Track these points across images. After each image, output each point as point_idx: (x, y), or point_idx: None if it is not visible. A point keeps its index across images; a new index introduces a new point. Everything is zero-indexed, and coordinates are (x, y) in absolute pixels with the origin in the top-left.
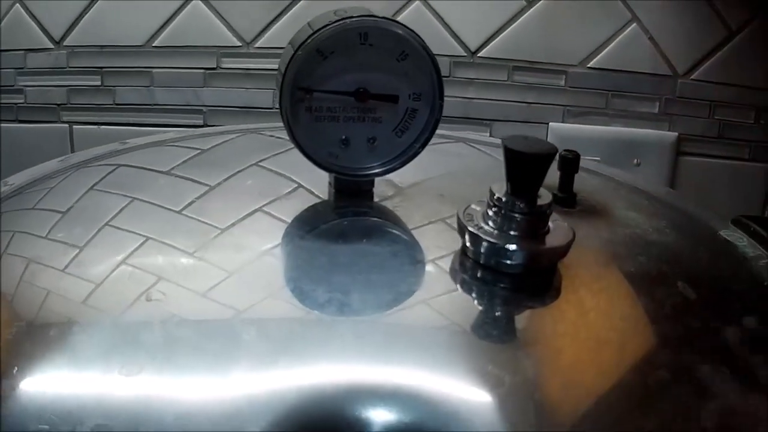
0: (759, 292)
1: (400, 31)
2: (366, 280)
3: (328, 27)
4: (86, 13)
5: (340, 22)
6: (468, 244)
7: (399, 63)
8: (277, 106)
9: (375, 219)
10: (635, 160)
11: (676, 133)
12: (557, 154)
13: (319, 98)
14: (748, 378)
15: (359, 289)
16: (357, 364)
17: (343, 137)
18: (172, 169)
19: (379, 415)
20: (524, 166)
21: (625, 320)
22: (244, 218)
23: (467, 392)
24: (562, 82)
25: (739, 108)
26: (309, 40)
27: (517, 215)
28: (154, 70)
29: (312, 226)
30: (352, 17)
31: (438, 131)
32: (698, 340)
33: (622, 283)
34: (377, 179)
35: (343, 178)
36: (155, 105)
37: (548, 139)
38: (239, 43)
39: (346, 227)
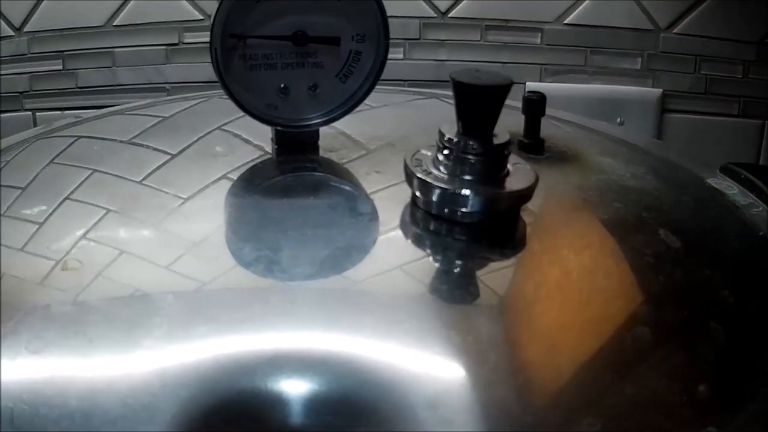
0: (753, 242)
1: None
2: (300, 236)
3: None
4: None
5: None
6: (417, 192)
7: (339, 2)
8: None
9: (318, 174)
10: (618, 119)
11: (661, 90)
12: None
13: (254, 45)
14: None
15: (291, 246)
16: (283, 331)
17: (282, 86)
18: (133, 138)
19: (307, 388)
20: (475, 100)
21: (599, 272)
22: (207, 186)
23: (411, 358)
24: (538, 40)
25: (726, 62)
26: None
27: (470, 157)
28: (116, 50)
29: (248, 184)
30: None
31: (410, 90)
32: (685, 293)
33: (594, 230)
34: (326, 133)
35: (284, 130)
36: (118, 85)
37: None
38: (201, 17)
39: (288, 182)
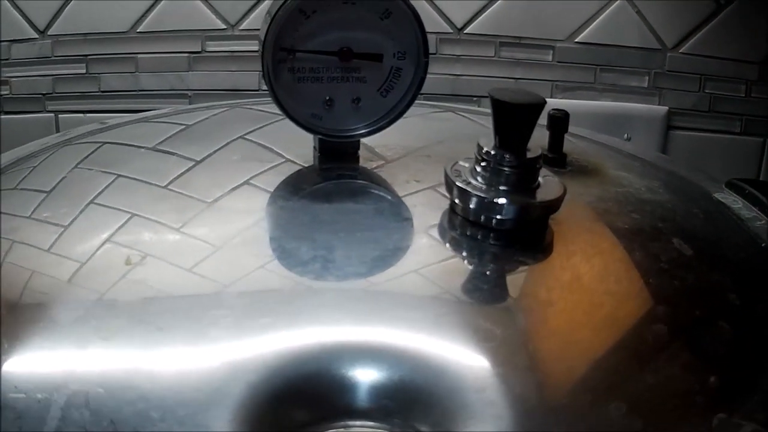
0: (755, 251)
1: None
2: (350, 238)
3: None
4: (70, 1)
5: None
6: (456, 200)
7: (382, 21)
8: (264, 87)
9: (360, 181)
10: (625, 135)
11: (666, 107)
12: (546, 112)
13: (302, 58)
14: (744, 331)
15: (344, 246)
16: (341, 324)
17: (327, 98)
18: (158, 144)
19: (365, 374)
20: (512, 117)
21: (620, 275)
22: (230, 191)
23: (457, 349)
24: (550, 58)
25: (730, 81)
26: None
27: (506, 169)
28: (139, 56)
29: (296, 189)
30: None
31: (427, 102)
32: (696, 295)
33: (615, 238)
34: (364, 145)
35: (327, 140)
36: (141, 91)
37: None
38: (224, 26)
39: (332, 189)
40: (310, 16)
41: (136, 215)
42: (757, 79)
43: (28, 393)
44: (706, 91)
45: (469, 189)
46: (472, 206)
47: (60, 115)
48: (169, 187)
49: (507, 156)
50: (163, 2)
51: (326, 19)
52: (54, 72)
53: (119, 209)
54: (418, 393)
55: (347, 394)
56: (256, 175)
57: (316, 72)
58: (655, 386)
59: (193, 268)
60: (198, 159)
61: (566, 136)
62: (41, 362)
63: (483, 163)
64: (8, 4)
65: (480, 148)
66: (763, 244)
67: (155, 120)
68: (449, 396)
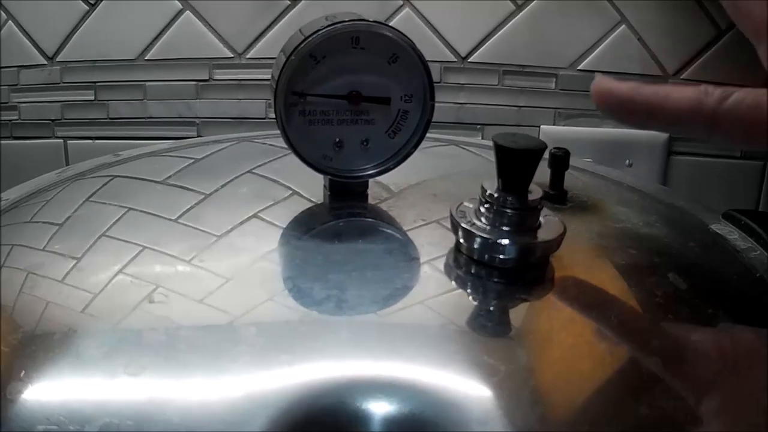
0: (751, 283)
1: (390, 34)
2: (362, 277)
3: (320, 32)
4: (78, 28)
5: (332, 26)
6: (461, 240)
7: (390, 65)
8: (271, 115)
9: (370, 219)
10: (627, 161)
11: (667, 134)
12: (547, 151)
13: (313, 102)
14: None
15: (356, 286)
16: (355, 359)
17: (337, 140)
18: (167, 178)
19: (378, 407)
20: (514, 161)
21: (618, 310)
22: (239, 224)
23: (464, 383)
24: (553, 85)
25: None
26: (302, 45)
27: (508, 210)
28: (147, 83)
29: (308, 228)
30: (343, 21)
31: (429, 135)
32: (691, 329)
33: (613, 274)
34: (372, 183)
35: (337, 180)
36: (149, 118)
37: None
38: (231, 55)
39: (342, 228)
40: (321, 61)
41: (149, 248)
42: None
43: (60, 425)
44: None
45: (473, 230)
46: (476, 246)
47: (69, 141)
48: (179, 220)
49: (509, 198)
50: (171, 30)
51: (336, 64)
52: (63, 98)
53: (131, 242)
54: (427, 425)
55: (361, 426)
56: (264, 209)
57: (327, 115)
58: (651, 418)
59: (210, 303)
60: (207, 192)
61: (569, 171)
62: (72, 395)
63: (486, 205)
64: (17, 30)
65: (484, 190)
66: (757, 275)
67: (165, 154)
68: (455, 428)
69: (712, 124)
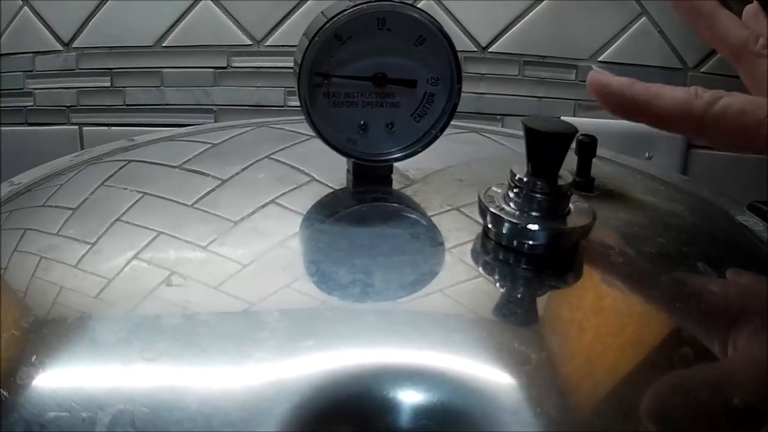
0: None
1: (417, 15)
2: (388, 262)
3: (345, 12)
4: (95, 15)
5: (357, 7)
6: (489, 225)
7: (416, 48)
8: (290, 103)
9: (394, 204)
10: (647, 154)
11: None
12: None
13: (337, 83)
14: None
15: (382, 270)
16: (382, 346)
17: (362, 122)
18: (184, 163)
19: (406, 395)
20: (545, 145)
21: (647, 299)
22: (257, 210)
23: (493, 371)
24: (573, 76)
25: None
26: (327, 25)
27: (538, 195)
28: (164, 70)
29: (332, 212)
30: (369, 2)
31: (450, 123)
32: (722, 318)
33: (642, 263)
34: (396, 167)
35: (361, 163)
36: (165, 105)
37: None
38: (249, 42)
39: (366, 212)
40: (346, 42)
41: (165, 233)
42: None
43: (72, 411)
44: None
45: (502, 215)
46: (505, 232)
47: (84, 128)
48: (195, 205)
49: (539, 183)
50: (189, 17)
51: (361, 45)
52: (79, 84)
53: (147, 227)
54: (457, 415)
55: (388, 415)
56: (282, 195)
57: (351, 97)
58: (685, 408)
59: (231, 288)
60: (224, 178)
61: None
62: (85, 381)
63: (516, 190)
64: (33, 16)
65: (513, 174)
66: None
67: (181, 138)
68: (486, 418)
69: (700, 127)
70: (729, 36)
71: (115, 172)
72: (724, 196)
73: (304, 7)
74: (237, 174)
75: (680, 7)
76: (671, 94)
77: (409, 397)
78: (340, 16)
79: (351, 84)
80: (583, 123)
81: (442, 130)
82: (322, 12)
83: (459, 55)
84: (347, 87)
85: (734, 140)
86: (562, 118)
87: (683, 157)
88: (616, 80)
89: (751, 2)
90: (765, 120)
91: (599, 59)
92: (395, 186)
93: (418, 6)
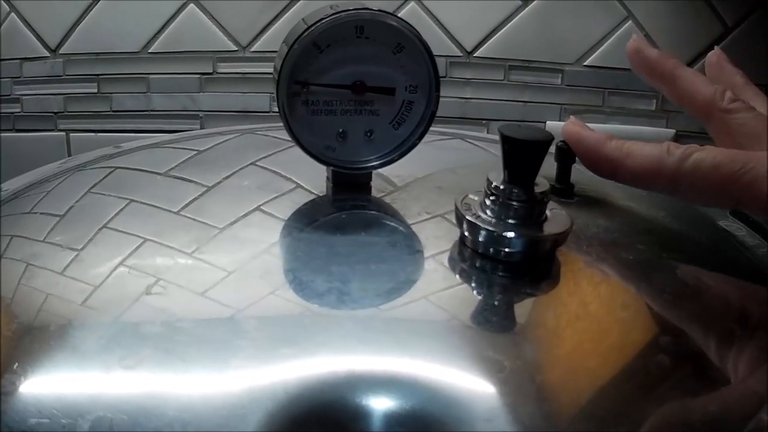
0: (759, 280)
1: (395, 24)
2: (365, 270)
3: (324, 20)
4: (82, 21)
5: (336, 15)
6: (466, 233)
7: (395, 55)
8: (275, 109)
9: (373, 212)
10: None
11: (674, 130)
12: (553, 145)
13: (316, 92)
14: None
15: (359, 278)
16: (357, 353)
17: (341, 130)
18: (169, 170)
19: (380, 402)
20: (521, 153)
21: (624, 306)
22: (242, 217)
23: (468, 378)
24: (559, 81)
25: None
26: (305, 34)
27: (514, 203)
28: (151, 76)
29: (311, 220)
30: (347, 10)
31: (435, 129)
32: (698, 325)
33: (620, 269)
34: (376, 175)
35: (340, 171)
36: (152, 111)
37: None
38: (235, 48)
39: (345, 220)
40: (324, 50)
41: (150, 240)
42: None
43: (53, 418)
44: None
45: (478, 222)
46: (481, 239)
47: (71, 134)
48: (181, 212)
49: (515, 190)
50: (175, 23)
51: (340, 54)
52: (66, 91)
53: (134, 234)
54: (430, 422)
55: (362, 422)
56: (267, 202)
57: (330, 105)
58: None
59: (212, 295)
60: (209, 185)
61: (576, 165)
62: (65, 388)
63: (492, 197)
64: (20, 23)
65: (489, 182)
66: (766, 271)
67: (167, 146)
68: (459, 425)
69: (672, 184)
70: (695, 96)
71: (102, 179)
72: None
73: (289, 12)
74: (222, 181)
75: (642, 70)
76: (642, 152)
77: (384, 404)
78: (318, 24)
79: (330, 92)
80: None
81: (420, 138)
82: (302, 19)
83: (445, 60)
84: (326, 95)
85: (709, 196)
86: (547, 122)
87: None
88: (590, 136)
89: None
90: (740, 172)
91: (585, 63)
92: (375, 193)
93: (404, 11)
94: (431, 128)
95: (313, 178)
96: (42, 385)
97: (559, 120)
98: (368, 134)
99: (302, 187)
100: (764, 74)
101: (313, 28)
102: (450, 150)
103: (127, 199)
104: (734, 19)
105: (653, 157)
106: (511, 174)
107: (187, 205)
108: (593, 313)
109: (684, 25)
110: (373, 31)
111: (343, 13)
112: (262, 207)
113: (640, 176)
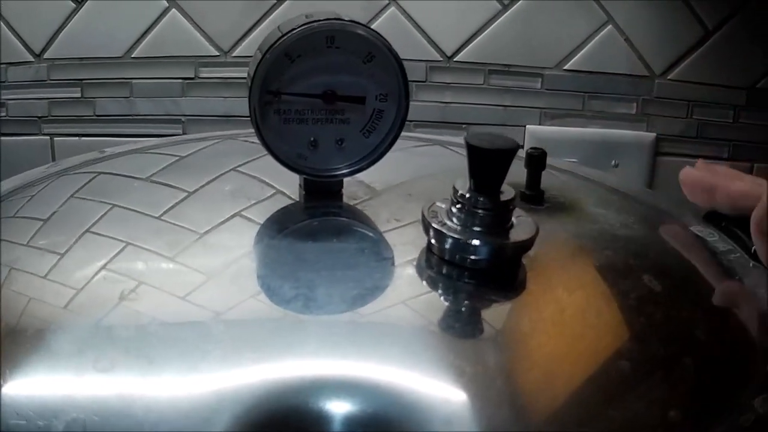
0: (728, 285)
1: (365, 34)
2: (332, 276)
3: (295, 31)
4: (65, 26)
5: (306, 26)
6: (433, 240)
7: (365, 65)
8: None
9: (344, 219)
10: (613, 162)
11: (654, 134)
12: (524, 152)
13: (288, 101)
14: (709, 366)
15: (325, 285)
16: (321, 358)
17: (312, 139)
18: (152, 175)
19: (342, 407)
20: (486, 162)
21: (589, 312)
22: (222, 223)
23: (430, 384)
24: (539, 85)
25: (718, 107)
26: (277, 44)
27: (480, 211)
28: (134, 81)
29: (282, 227)
30: (318, 20)
31: (414, 135)
32: (663, 331)
33: (587, 276)
34: (351, 182)
35: (312, 179)
36: (135, 115)
37: (525, 142)
38: (217, 53)
39: (316, 227)
40: (296, 60)
41: (131, 244)
42: (745, 104)
43: (29, 419)
44: (695, 117)
45: (444, 230)
46: (447, 247)
47: (55, 138)
48: (162, 218)
49: (481, 199)
50: (157, 28)
51: (311, 63)
52: (49, 95)
53: (114, 238)
54: (390, 425)
55: (325, 425)
56: (247, 208)
57: (302, 114)
58: (620, 421)
59: (184, 299)
60: (191, 191)
61: (549, 169)
62: (42, 390)
63: (458, 205)
64: (5, 27)
65: (455, 191)
66: (736, 277)
67: (150, 151)
68: (419, 428)
69: None
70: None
71: (85, 184)
72: (683, 206)
73: (271, 17)
74: (203, 186)
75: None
76: None
77: (345, 408)
78: (290, 34)
79: (301, 101)
80: (549, 132)
81: (390, 145)
82: (278, 26)
83: (425, 64)
84: (298, 104)
85: None
86: (527, 127)
87: (651, 164)
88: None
89: None
90: None
91: (565, 67)
92: (349, 200)
93: (384, 15)
94: (411, 135)
95: (292, 184)
96: (20, 387)
97: (539, 124)
98: (339, 142)
99: (282, 193)
100: (744, 77)
101: (285, 38)
102: (428, 156)
103: (109, 204)
104: (714, 22)
105: None
106: (477, 182)
107: (168, 210)
108: (558, 318)
109: (664, 29)
110: (344, 41)
111: (314, 23)
112: (242, 213)
113: None
